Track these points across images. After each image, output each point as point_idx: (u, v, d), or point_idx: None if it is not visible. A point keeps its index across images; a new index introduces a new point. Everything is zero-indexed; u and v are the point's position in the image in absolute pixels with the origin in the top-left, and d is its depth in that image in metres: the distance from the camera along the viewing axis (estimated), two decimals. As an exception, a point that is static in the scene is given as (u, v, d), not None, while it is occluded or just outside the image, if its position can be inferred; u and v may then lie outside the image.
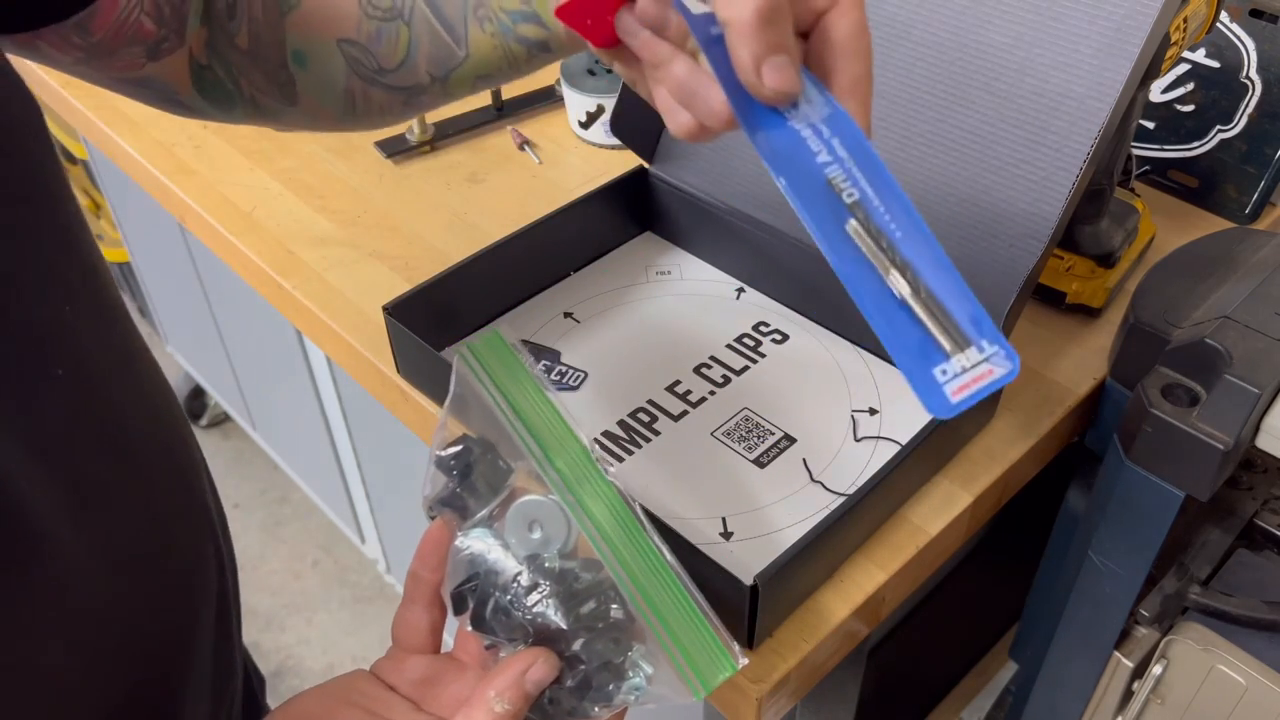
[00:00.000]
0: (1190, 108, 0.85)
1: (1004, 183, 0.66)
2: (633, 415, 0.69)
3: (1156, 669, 0.66)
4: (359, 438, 1.25)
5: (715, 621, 0.41)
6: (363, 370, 0.78)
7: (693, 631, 0.40)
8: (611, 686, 0.41)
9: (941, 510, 0.64)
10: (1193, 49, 0.84)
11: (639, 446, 0.67)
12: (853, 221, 0.36)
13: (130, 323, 0.40)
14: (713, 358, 0.73)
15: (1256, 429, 0.60)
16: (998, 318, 0.65)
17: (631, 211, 0.83)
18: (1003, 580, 0.94)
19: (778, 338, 0.75)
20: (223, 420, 1.94)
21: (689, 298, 0.79)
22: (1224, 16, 0.82)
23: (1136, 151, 0.88)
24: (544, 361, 0.73)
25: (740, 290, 0.79)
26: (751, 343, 0.75)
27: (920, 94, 0.69)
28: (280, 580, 1.74)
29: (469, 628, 0.43)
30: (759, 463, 0.66)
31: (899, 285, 0.35)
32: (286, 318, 0.87)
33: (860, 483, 0.61)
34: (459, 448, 0.46)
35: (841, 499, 0.59)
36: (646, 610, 0.41)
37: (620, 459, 0.67)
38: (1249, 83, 0.82)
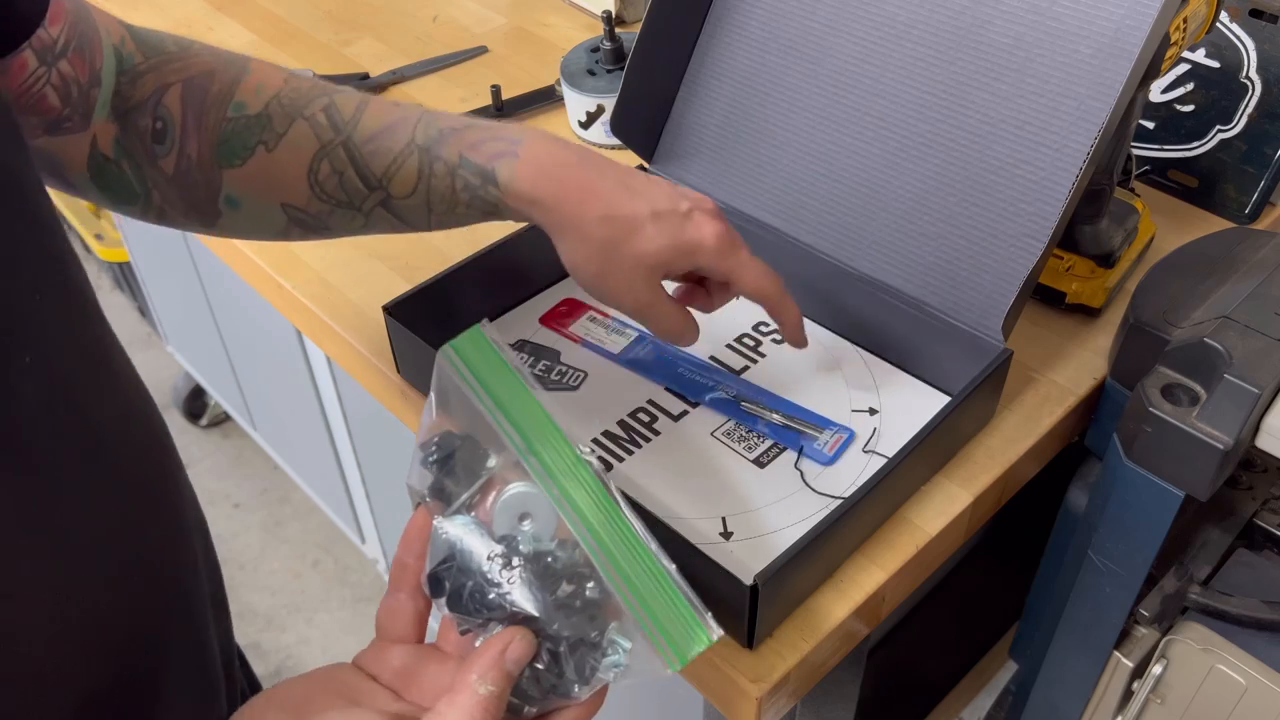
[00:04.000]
0: (1190, 108, 0.85)
1: (1004, 183, 0.66)
2: (633, 415, 0.69)
3: (1156, 669, 0.66)
4: (359, 438, 1.25)
5: (691, 595, 0.41)
6: (363, 370, 0.78)
7: (668, 606, 0.41)
8: (590, 663, 0.41)
9: (941, 510, 0.64)
10: (1193, 49, 0.84)
11: (639, 446, 0.67)
12: (745, 403, 0.69)
13: (105, 324, 0.40)
14: (712, 357, 0.73)
15: (1256, 429, 0.60)
16: (998, 317, 0.65)
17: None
18: (1003, 580, 0.94)
19: (778, 338, 0.75)
20: (223, 420, 1.94)
21: (689, 298, 0.79)
22: (1224, 16, 0.82)
23: (1136, 151, 0.88)
24: (544, 361, 0.73)
25: (740, 290, 0.79)
26: (751, 343, 0.75)
27: (920, 94, 0.70)
28: (280, 580, 1.74)
29: (445, 611, 0.44)
30: (759, 463, 0.66)
31: (780, 419, 0.68)
32: (286, 318, 0.87)
33: (860, 482, 0.61)
34: (440, 436, 0.46)
35: (842, 499, 0.59)
36: (622, 586, 0.41)
37: (620, 459, 0.67)
38: (1249, 83, 0.82)
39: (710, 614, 0.41)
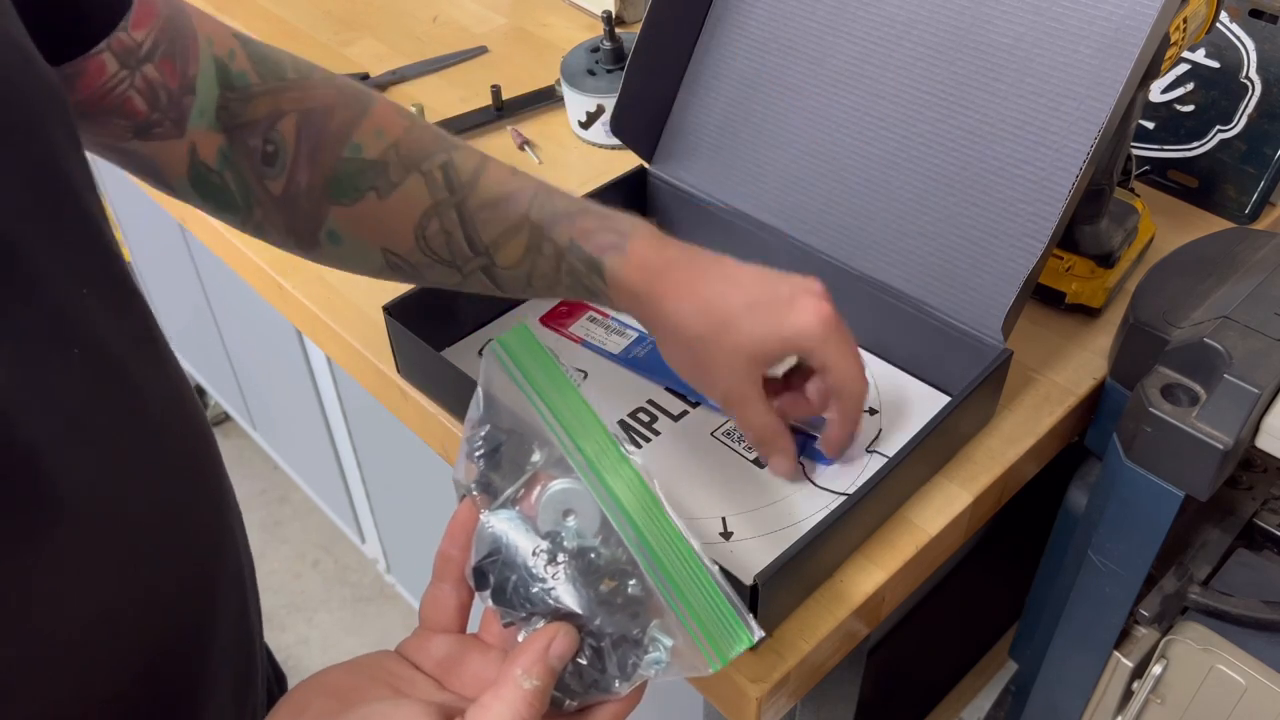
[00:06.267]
0: (1190, 108, 0.85)
1: (1004, 183, 0.66)
2: (633, 415, 0.69)
3: (1156, 669, 0.66)
4: (359, 438, 1.25)
5: (732, 596, 0.41)
6: (363, 370, 0.78)
7: (709, 606, 0.41)
8: (632, 660, 0.42)
9: (941, 510, 0.64)
10: (1193, 49, 0.84)
11: (639, 447, 0.67)
12: None
13: (149, 312, 0.41)
14: (713, 358, 0.73)
15: (1256, 429, 0.60)
16: (998, 317, 0.65)
17: (631, 211, 0.83)
18: (1003, 580, 0.94)
19: (778, 338, 0.75)
20: (223, 420, 1.94)
21: (689, 298, 0.79)
22: (1224, 16, 0.82)
23: (1136, 151, 0.88)
24: (544, 362, 0.73)
25: (740, 290, 0.79)
26: (751, 343, 0.75)
27: (920, 94, 0.70)
28: (280, 580, 1.74)
29: (489, 604, 0.44)
30: (759, 463, 0.66)
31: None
32: (286, 318, 0.87)
33: (860, 483, 0.61)
34: (486, 430, 0.47)
35: (841, 499, 0.59)
36: (664, 585, 0.41)
37: (620, 459, 0.67)
38: (1248, 83, 0.82)
39: (752, 615, 0.41)
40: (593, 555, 0.43)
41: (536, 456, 0.45)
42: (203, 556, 0.41)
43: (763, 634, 0.42)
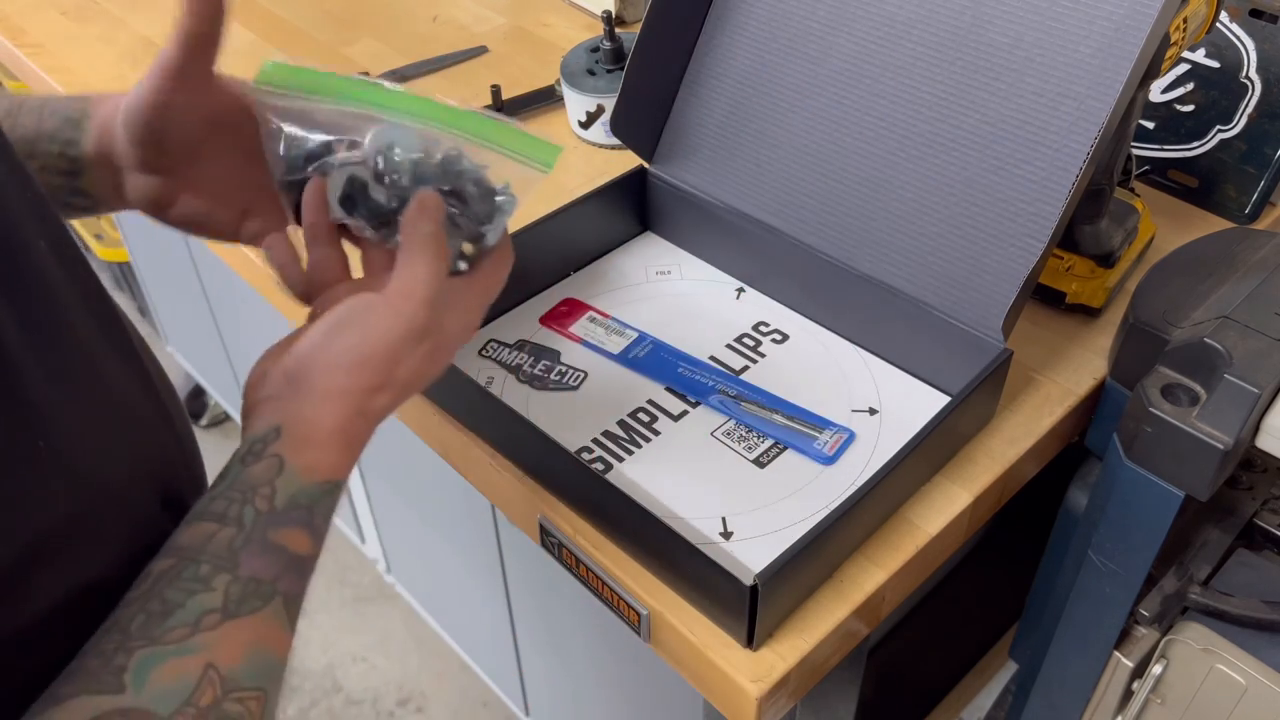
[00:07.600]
0: (1190, 108, 0.85)
1: (1004, 183, 0.66)
2: (633, 415, 0.69)
3: (1156, 669, 0.66)
4: (359, 438, 1.25)
5: (521, 127, 0.52)
6: (363, 370, 0.78)
7: (516, 140, 0.53)
8: (487, 207, 0.52)
9: (941, 510, 0.64)
10: (1193, 49, 0.84)
11: (639, 446, 0.67)
12: (745, 403, 0.70)
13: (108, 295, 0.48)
14: (712, 357, 0.73)
15: (1256, 429, 0.60)
16: (998, 317, 0.65)
17: (631, 211, 0.83)
18: (1003, 580, 0.94)
19: (778, 338, 0.75)
20: (223, 420, 1.94)
21: (689, 297, 0.79)
22: (1224, 16, 0.82)
23: (1136, 151, 0.88)
24: (544, 361, 0.73)
25: (740, 290, 0.79)
26: (751, 342, 0.75)
27: (920, 94, 0.70)
28: (280, 580, 1.74)
29: (366, 229, 0.52)
30: (759, 463, 0.66)
31: (781, 420, 0.69)
32: (286, 318, 0.87)
33: (860, 483, 0.61)
34: (295, 139, 0.54)
35: (842, 499, 0.59)
36: (483, 145, 0.52)
37: (620, 459, 0.67)
38: (1249, 83, 0.82)
39: (551, 140, 0.53)
40: (426, 158, 0.52)
41: (341, 134, 0.53)
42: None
43: (563, 146, 0.53)
